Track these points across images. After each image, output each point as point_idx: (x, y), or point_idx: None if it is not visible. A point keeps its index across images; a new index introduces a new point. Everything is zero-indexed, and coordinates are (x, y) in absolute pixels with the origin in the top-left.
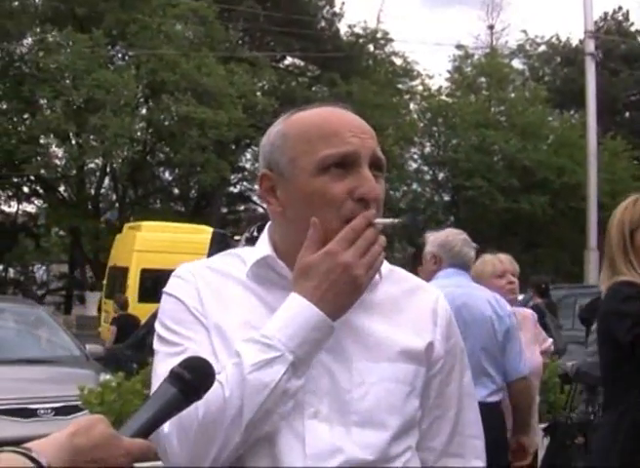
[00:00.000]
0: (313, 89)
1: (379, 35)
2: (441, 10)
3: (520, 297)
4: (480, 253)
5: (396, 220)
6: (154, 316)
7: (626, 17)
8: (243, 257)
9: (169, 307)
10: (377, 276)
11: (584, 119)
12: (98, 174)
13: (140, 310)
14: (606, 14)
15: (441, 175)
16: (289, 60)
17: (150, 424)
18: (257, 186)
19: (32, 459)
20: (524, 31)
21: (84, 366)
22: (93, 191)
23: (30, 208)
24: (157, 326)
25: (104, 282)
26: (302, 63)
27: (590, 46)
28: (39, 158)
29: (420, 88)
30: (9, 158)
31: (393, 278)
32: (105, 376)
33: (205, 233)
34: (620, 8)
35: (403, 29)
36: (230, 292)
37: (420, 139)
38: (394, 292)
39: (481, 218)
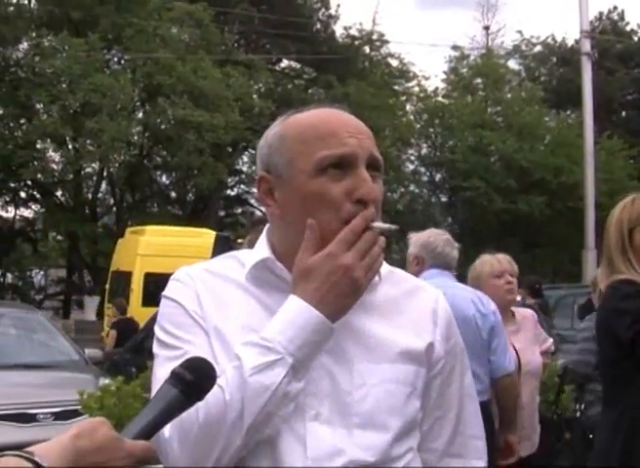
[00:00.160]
0: (310, 91)
1: (374, 37)
2: (436, 11)
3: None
4: (478, 253)
5: (393, 227)
6: (153, 320)
7: (622, 16)
8: (242, 260)
9: (168, 311)
10: (376, 277)
11: (581, 119)
12: (95, 178)
13: (143, 314)
14: (601, 13)
15: (438, 177)
16: (285, 63)
17: (152, 426)
18: (254, 189)
19: (35, 463)
20: (520, 32)
21: (83, 370)
22: (90, 195)
23: (28, 213)
24: (156, 329)
25: (107, 286)
26: (299, 66)
27: (586, 46)
28: (36, 163)
29: (417, 89)
30: (6, 163)
31: (393, 279)
32: (105, 380)
33: (208, 236)
34: (615, 7)
35: (399, 31)
36: (229, 295)
37: (417, 141)
38: (394, 293)
39: (479, 219)
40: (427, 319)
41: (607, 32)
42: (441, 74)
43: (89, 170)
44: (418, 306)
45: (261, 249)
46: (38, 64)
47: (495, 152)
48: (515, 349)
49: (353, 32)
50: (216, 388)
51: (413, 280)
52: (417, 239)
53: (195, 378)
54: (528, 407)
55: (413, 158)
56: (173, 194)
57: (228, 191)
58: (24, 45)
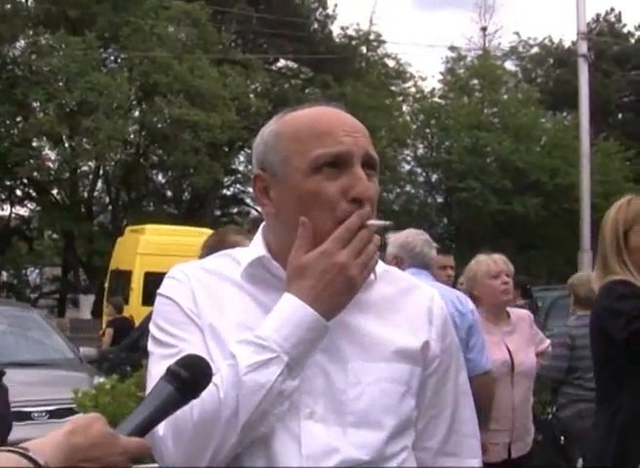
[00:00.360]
0: (306, 91)
1: (371, 37)
2: (434, 12)
3: None
4: (474, 254)
5: (387, 222)
6: (148, 318)
7: (619, 18)
8: (237, 258)
9: (163, 309)
10: (371, 276)
11: (577, 120)
12: (91, 176)
13: (144, 313)
14: (598, 15)
15: (434, 177)
16: (282, 63)
17: (147, 423)
18: (250, 189)
19: (30, 459)
20: (516, 33)
21: (78, 368)
22: (86, 194)
23: (23, 211)
24: (152, 327)
25: (106, 285)
26: (295, 65)
27: (583, 47)
28: (32, 161)
29: (413, 90)
30: (1, 161)
31: (388, 278)
32: (99, 379)
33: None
34: (612, 9)
35: (396, 31)
36: (225, 293)
37: (413, 141)
38: (389, 291)
39: (474, 220)
40: (423, 317)
41: (604, 34)
42: (438, 75)
43: (85, 168)
44: (413, 305)
45: (257, 247)
46: (35, 62)
47: (491, 153)
48: (509, 350)
49: (350, 32)
50: (210, 386)
51: (408, 279)
52: (395, 239)
53: (191, 376)
54: (521, 407)
55: (409, 158)
56: (169, 193)
57: (224, 190)
58: (21, 43)
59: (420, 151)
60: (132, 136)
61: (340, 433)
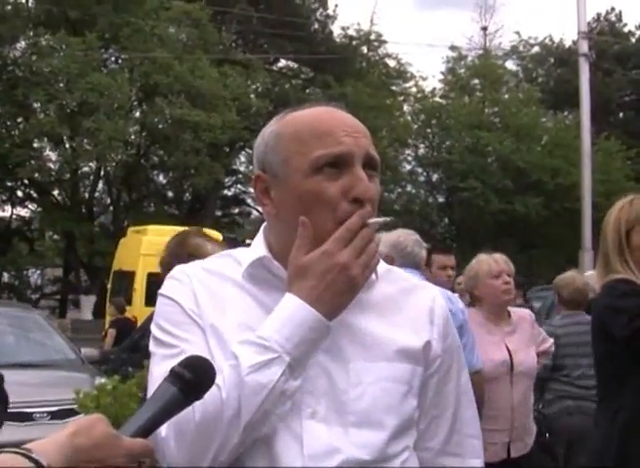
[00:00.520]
0: (307, 91)
1: (372, 37)
2: (434, 11)
3: None
4: (475, 254)
5: (389, 219)
6: (149, 319)
7: (619, 17)
8: (238, 258)
9: (165, 309)
10: (373, 276)
11: (578, 120)
12: (91, 177)
13: (146, 314)
14: (599, 14)
15: (435, 177)
16: (282, 63)
17: (150, 424)
18: (251, 189)
19: (32, 460)
20: (517, 32)
21: (79, 369)
22: (87, 195)
23: (24, 212)
24: (153, 328)
25: (109, 286)
26: (296, 66)
27: (584, 47)
28: (33, 162)
29: (414, 89)
30: (2, 162)
31: (390, 277)
32: (101, 380)
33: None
34: (613, 9)
35: (396, 31)
36: (226, 294)
37: (414, 141)
38: (391, 291)
39: (476, 220)
40: (424, 317)
41: (605, 33)
42: (438, 75)
43: (86, 169)
44: (415, 304)
45: (258, 247)
46: (35, 63)
47: (492, 153)
48: (509, 350)
49: (351, 32)
50: (213, 387)
51: (410, 278)
52: (386, 238)
53: (194, 377)
54: (520, 407)
55: (410, 158)
56: (170, 194)
57: (225, 191)
58: (22, 44)
59: (421, 151)
60: (133, 137)
61: (341, 433)
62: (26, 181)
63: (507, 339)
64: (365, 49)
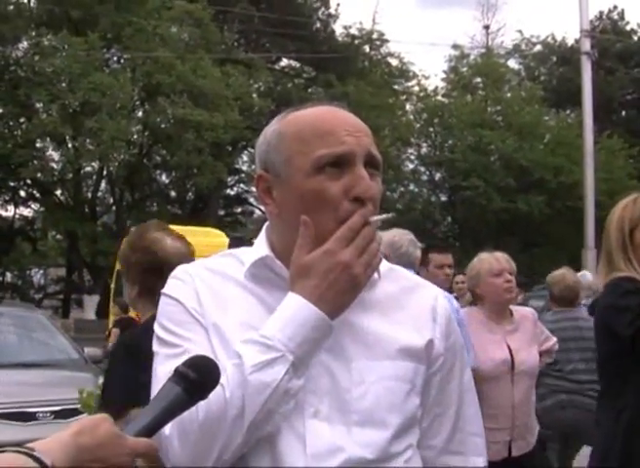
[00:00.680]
0: (309, 90)
1: (374, 36)
2: (436, 10)
3: None
4: (477, 252)
5: (390, 215)
6: (152, 318)
7: (622, 16)
8: (241, 258)
9: (167, 309)
10: (375, 274)
11: (581, 118)
12: (94, 177)
13: None
14: (601, 13)
15: (438, 176)
16: (284, 62)
17: (154, 423)
18: (254, 188)
19: (36, 459)
20: (519, 31)
21: (83, 369)
22: (89, 194)
23: (27, 212)
24: (156, 327)
25: (112, 286)
26: (298, 65)
27: (586, 45)
28: (35, 162)
29: (417, 88)
30: (5, 162)
31: (392, 276)
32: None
33: (215, 236)
34: (615, 7)
35: (398, 30)
36: (229, 293)
37: (417, 140)
38: (393, 290)
39: (478, 219)
40: (427, 316)
41: (607, 32)
42: (441, 73)
43: (88, 169)
44: (417, 303)
45: (260, 247)
46: (38, 63)
47: (494, 151)
48: (510, 348)
49: (353, 31)
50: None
51: (412, 277)
52: (382, 237)
53: (199, 377)
54: (521, 406)
55: (412, 157)
56: (172, 193)
57: (228, 190)
58: (24, 44)
59: (424, 150)
60: (135, 137)
61: (344, 432)
62: (29, 181)
63: (509, 338)
64: (367, 48)
